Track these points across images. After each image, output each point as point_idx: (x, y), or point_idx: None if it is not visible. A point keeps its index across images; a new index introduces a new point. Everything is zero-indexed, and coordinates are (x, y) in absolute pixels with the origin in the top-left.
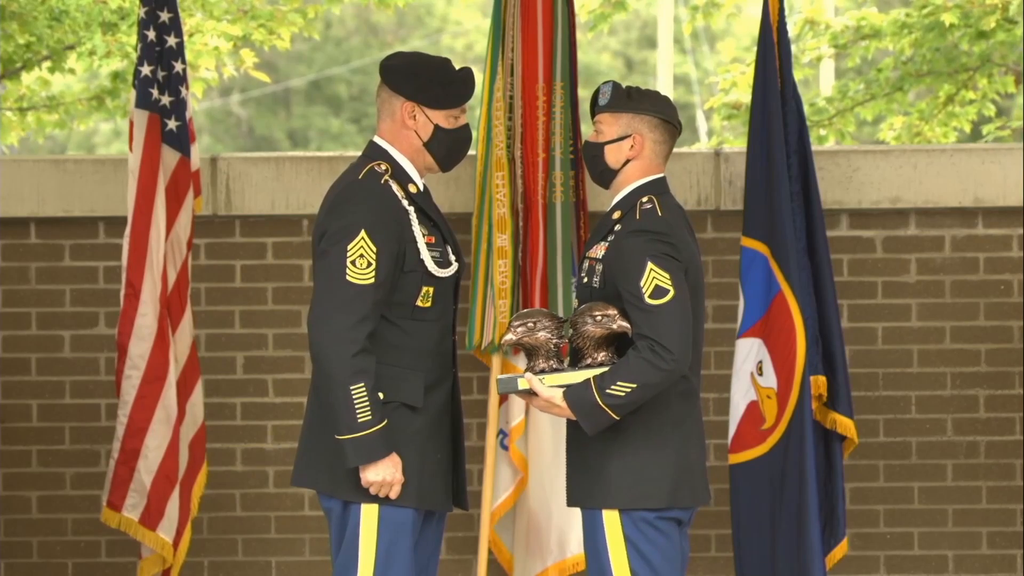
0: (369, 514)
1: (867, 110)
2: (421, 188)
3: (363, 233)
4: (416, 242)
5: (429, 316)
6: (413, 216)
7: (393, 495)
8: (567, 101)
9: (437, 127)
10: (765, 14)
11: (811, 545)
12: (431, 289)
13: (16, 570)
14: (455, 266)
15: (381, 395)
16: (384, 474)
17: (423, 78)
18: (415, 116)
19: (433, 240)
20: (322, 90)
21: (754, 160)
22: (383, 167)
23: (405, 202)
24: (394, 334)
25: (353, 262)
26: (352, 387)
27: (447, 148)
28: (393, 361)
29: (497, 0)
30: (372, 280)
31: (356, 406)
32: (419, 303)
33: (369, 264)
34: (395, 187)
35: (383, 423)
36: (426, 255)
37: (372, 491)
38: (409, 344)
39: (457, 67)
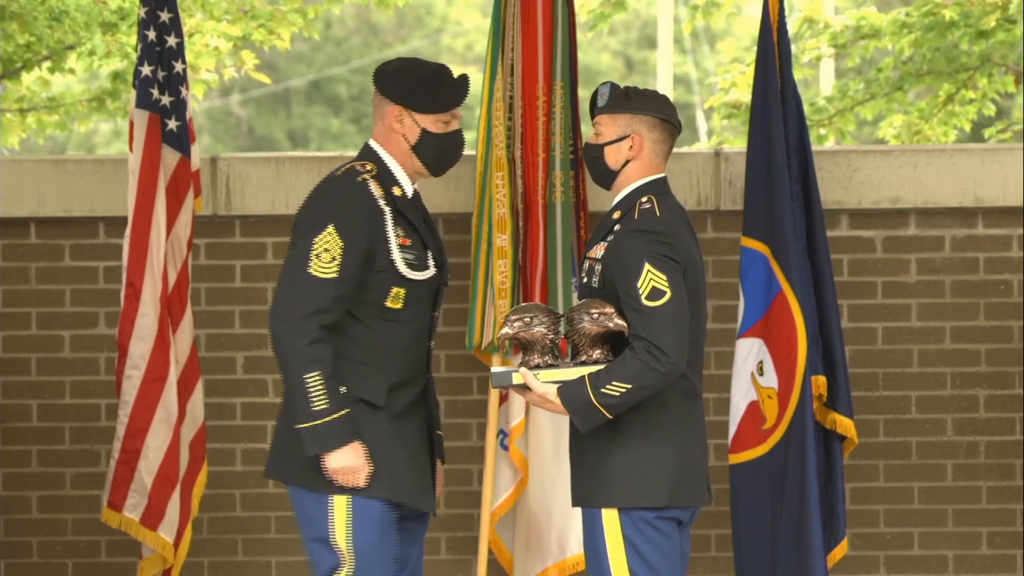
0: (340, 505)
1: (867, 109)
2: (409, 192)
3: (331, 228)
4: (388, 242)
5: (401, 318)
6: (388, 217)
7: (359, 483)
8: (567, 101)
9: (424, 131)
10: (765, 14)
11: (812, 545)
12: (403, 291)
13: (16, 570)
14: (431, 271)
15: (344, 388)
16: (346, 461)
17: (410, 83)
18: (402, 120)
19: (409, 243)
20: (322, 90)
21: (754, 160)
22: (368, 167)
23: (382, 202)
24: (361, 331)
25: (318, 255)
26: (306, 375)
27: (435, 153)
28: (358, 358)
29: (497, 0)
30: (334, 275)
31: (310, 394)
32: (389, 304)
33: (333, 259)
34: (374, 187)
35: (342, 412)
36: (397, 256)
37: (338, 480)
38: (376, 343)
39: (455, 71)
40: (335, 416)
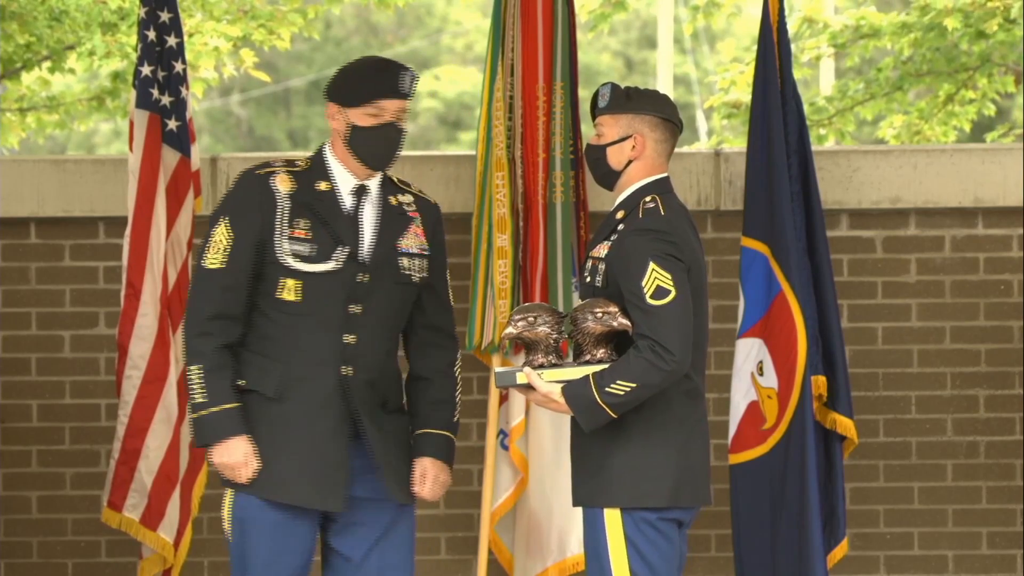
0: (227, 500)
1: (867, 109)
2: (342, 188)
3: (224, 220)
4: (275, 233)
5: (299, 311)
6: (283, 209)
7: (240, 479)
8: (567, 101)
9: (353, 126)
10: (765, 14)
11: (812, 545)
12: (298, 283)
13: (16, 570)
14: (333, 264)
15: (243, 381)
16: (224, 457)
17: (341, 79)
18: (335, 116)
19: (306, 235)
20: (322, 90)
21: (754, 160)
22: (298, 162)
23: (283, 194)
24: (263, 323)
25: (210, 247)
26: (189, 367)
27: (367, 146)
28: (257, 349)
29: (497, 0)
30: (220, 266)
31: (190, 387)
32: (282, 295)
33: (219, 250)
34: (281, 180)
35: (222, 406)
36: (285, 247)
37: (222, 475)
38: (275, 335)
39: (406, 65)
40: (212, 411)
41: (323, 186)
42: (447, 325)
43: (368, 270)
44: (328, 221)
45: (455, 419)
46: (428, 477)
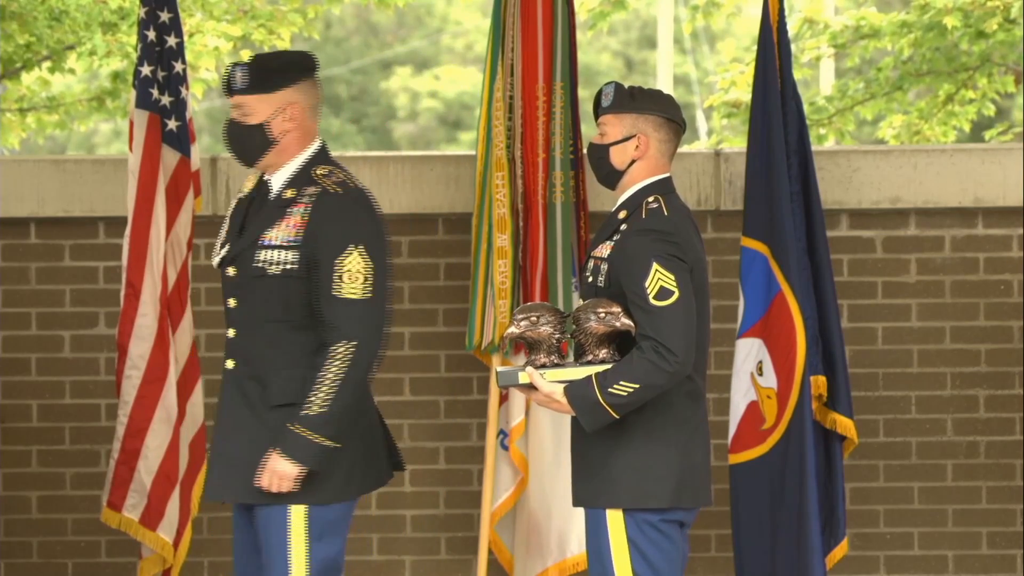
0: None
1: (867, 109)
2: (272, 187)
3: None
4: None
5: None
6: (231, 208)
7: None
8: (567, 101)
9: None
10: (765, 14)
11: (811, 545)
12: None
13: (16, 570)
14: (215, 260)
15: None
16: None
17: None
18: None
19: (225, 234)
20: (322, 90)
21: (754, 160)
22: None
23: (239, 195)
24: None
25: None
26: None
27: None
28: None
29: (497, 0)
30: None
31: None
32: None
33: None
34: (250, 182)
35: None
36: (218, 244)
37: None
38: None
39: (259, 56)
40: None
41: (253, 185)
42: (331, 317)
43: (233, 264)
44: (228, 219)
45: (310, 412)
46: (268, 468)
